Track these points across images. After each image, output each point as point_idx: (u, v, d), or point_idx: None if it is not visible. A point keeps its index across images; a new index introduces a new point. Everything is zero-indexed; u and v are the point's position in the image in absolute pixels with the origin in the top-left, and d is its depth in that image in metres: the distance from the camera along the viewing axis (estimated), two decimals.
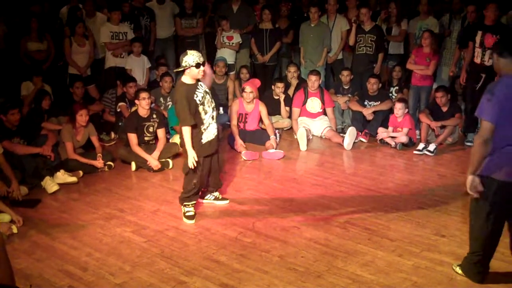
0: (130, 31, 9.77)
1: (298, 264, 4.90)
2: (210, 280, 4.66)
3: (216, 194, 6.35)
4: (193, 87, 5.64)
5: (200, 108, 5.64)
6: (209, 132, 5.76)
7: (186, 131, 5.58)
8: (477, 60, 8.30)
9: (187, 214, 5.88)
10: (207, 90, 5.81)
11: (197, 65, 5.56)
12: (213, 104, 5.82)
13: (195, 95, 5.61)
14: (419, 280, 4.64)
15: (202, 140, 5.73)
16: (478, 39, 8.29)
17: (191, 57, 5.56)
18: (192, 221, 5.83)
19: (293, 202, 6.30)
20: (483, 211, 4.38)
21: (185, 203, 5.89)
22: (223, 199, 6.35)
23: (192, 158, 5.59)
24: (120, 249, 5.22)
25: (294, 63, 10.01)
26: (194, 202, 5.94)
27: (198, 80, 5.70)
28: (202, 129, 5.70)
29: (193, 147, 5.63)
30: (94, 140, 7.47)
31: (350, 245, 5.26)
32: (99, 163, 7.24)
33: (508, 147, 4.17)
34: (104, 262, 4.97)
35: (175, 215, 5.97)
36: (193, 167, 5.64)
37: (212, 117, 5.79)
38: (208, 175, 6.03)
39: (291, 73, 9.66)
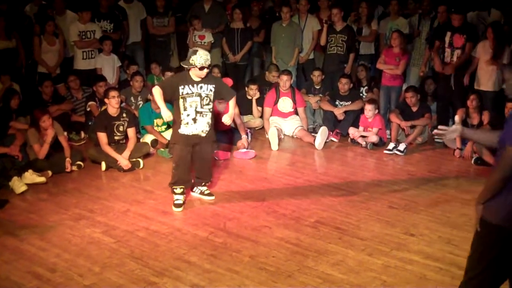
0: (99, 29, 9.68)
1: (269, 264, 4.90)
2: (180, 280, 4.63)
3: (203, 188, 6.38)
4: (187, 81, 5.85)
5: (181, 101, 5.83)
6: (189, 129, 5.93)
7: (156, 91, 5.90)
8: (447, 59, 8.52)
9: (175, 202, 6.07)
10: (205, 94, 5.90)
11: (201, 68, 5.77)
12: (201, 110, 5.91)
13: (182, 87, 5.83)
14: (388, 279, 4.67)
15: (179, 130, 5.94)
16: (447, 39, 8.45)
17: (199, 58, 5.75)
18: (179, 209, 6.01)
19: (264, 202, 6.30)
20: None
21: (172, 188, 6.07)
22: (209, 194, 6.38)
23: (165, 113, 5.92)
24: (89, 250, 5.15)
25: (275, 66, 9.89)
26: (181, 188, 6.05)
27: (203, 80, 5.86)
28: (181, 121, 5.90)
29: (174, 130, 6.04)
30: (62, 140, 7.33)
31: (321, 245, 5.27)
32: (67, 163, 7.14)
33: None
34: (73, 263, 4.91)
35: (145, 215, 5.92)
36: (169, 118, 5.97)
37: (194, 120, 5.90)
38: (194, 167, 6.19)
39: (271, 74, 9.65)
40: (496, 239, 3.33)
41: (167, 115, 5.96)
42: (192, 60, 5.77)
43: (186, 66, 5.87)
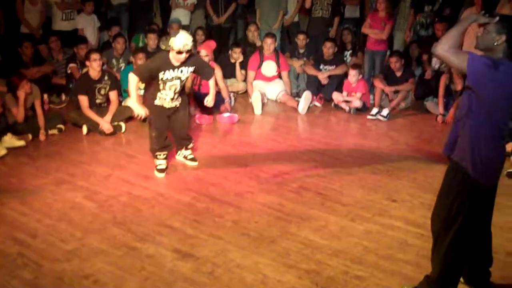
0: None
1: (252, 229, 4.90)
2: (163, 246, 4.62)
3: (186, 152, 6.34)
4: (166, 65, 5.63)
5: (160, 83, 5.69)
6: (166, 103, 5.84)
7: (132, 78, 5.66)
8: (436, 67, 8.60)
9: (158, 167, 6.02)
10: (185, 77, 5.78)
11: (178, 52, 5.51)
12: (179, 90, 5.81)
13: (162, 72, 5.62)
14: (370, 244, 4.68)
15: (155, 102, 5.81)
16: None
17: (176, 41, 5.48)
18: (162, 175, 5.99)
19: (247, 167, 6.28)
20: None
21: (155, 155, 6.02)
22: (192, 159, 6.34)
23: (138, 109, 5.79)
24: (71, 215, 5.12)
25: (254, 23, 9.86)
26: (164, 154, 6.02)
27: (183, 63, 5.65)
28: (157, 96, 5.78)
29: (149, 100, 5.87)
30: (37, 105, 7.12)
31: (303, 210, 5.28)
32: (42, 136, 7.01)
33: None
34: (54, 228, 4.87)
35: (128, 180, 5.89)
36: (140, 115, 5.85)
37: (172, 99, 5.82)
38: (172, 133, 6.14)
39: (251, 32, 9.56)
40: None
41: (137, 109, 5.80)
42: (171, 42, 5.54)
43: (164, 47, 5.68)
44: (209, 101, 6.12)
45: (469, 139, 3.46)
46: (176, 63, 5.64)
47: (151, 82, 5.86)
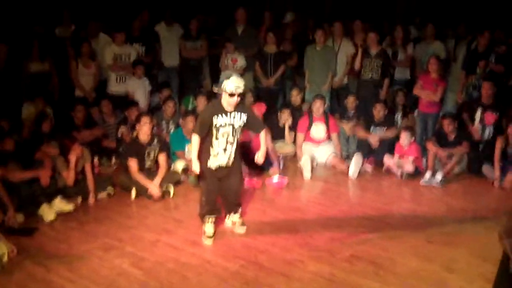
0: (135, 52, 9.66)
1: None
2: None
3: (235, 218, 6.24)
4: (219, 111, 5.66)
5: (214, 130, 5.67)
6: (218, 160, 5.81)
7: (194, 139, 5.72)
8: (477, 136, 8.44)
9: (205, 233, 5.95)
10: (238, 125, 5.77)
11: (231, 95, 5.55)
12: (232, 140, 5.78)
13: (215, 117, 5.64)
14: None
15: (209, 162, 5.79)
16: (477, 116, 8.41)
17: (229, 83, 5.55)
18: (209, 241, 5.89)
19: (297, 233, 6.13)
20: None
21: (203, 219, 5.97)
22: (241, 224, 6.23)
23: (195, 165, 5.75)
24: (118, 282, 5.04)
25: (296, 87, 9.87)
26: (212, 218, 5.94)
27: (235, 109, 5.69)
28: (211, 152, 5.75)
29: (201, 162, 5.76)
30: (87, 169, 7.14)
31: (356, 280, 5.08)
32: (91, 200, 7.03)
33: None
34: None
35: (175, 246, 5.80)
36: (196, 173, 5.80)
37: (224, 150, 5.78)
38: (222, 198, 6.10)
39: (294, 97, 9.55)
40: None
41: (195, 167, 5.78)
42: (223, 85, 5.59)
43: (216, 90, 5.74)
44: (259, 157, 6.03)
45: None
46: (228, 108, 5.65)
47: (203, 143, 5.79)
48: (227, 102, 5.63)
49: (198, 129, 5.73)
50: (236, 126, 5.75)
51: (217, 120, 5.65)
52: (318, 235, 6.08)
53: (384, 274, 5.21)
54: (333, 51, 9.84)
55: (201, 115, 5.90)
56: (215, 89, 5.82)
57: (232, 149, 5.83)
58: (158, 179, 7.21)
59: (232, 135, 5.76)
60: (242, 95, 5.65)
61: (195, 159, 5.74)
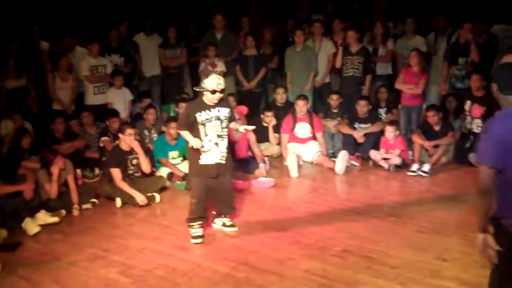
0: (110, 64, 9.60)
1: None
2: None
3: (225, 220, 6.17)
4: (202, 107, 5.70)
5: (200, 127, 5.68)
6: (210, 156, 5.76)
7: (183, 133, 5.80)
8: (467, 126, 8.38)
9: (193, 234, 5.86)
10: (224, 117, 5.78)
11: (213, 92, 5.62)
12: (222, 133, 5.77)
13: (199, 114, 5.68)
14: None
15: (200, 161, 5.76)
16: (466, 107, 8.34)
17: (210, 81, 5.63)
18: (199, 240, 5.80)
19: (287, 232, 6.03)
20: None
21: (189, 224, 5.88)
22: (231, 226, 6.16)
23: (194, 142, 5.66)
24: None
25: (282, 86, 9.81)
26: (198, 225, 5.86)
27: (218, 104, 5.72)
28: (201, 149, 5.71)
29: (192, 162, 5.86)
30: (70, 181, 7.03)
31: (349, 275, 4.99)
32: (75, 211, 6.88)
33: None
34: None
35: (163, 252, 5.68)
36: (196, 147, 5.68)
37: (216, 144, 5.75)
38: (214, 199, 6.05)
39: (280, 95, 9.50)
40: None
41: (196, 143, 5.70)
42: (204, 83, 5.67)
43: (198, 89, 5.79)
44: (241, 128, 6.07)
45: None
46: (210, 103, 5.70)
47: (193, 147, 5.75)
48: (209, 99, 5.69)
49: (183, 123, 5.82)
50: (222, 118, 5.77)
51: (201, 116, 5.68)
52: (308, 232, 5.99)
53: (377, 267, 5.12)
54: (313, 51, 9.80)
55: (183, 112, 5.99)
56: (197, 88, 5.84)
57: (223, 144, 5.80)
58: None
59: (221, 128, 5.76)
60: (223, 91, 5.72)
61: (192, 138, 5.70)
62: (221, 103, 5.77)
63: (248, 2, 12.29)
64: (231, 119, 5.91)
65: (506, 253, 3.42)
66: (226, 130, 5.83)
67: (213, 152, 5.77)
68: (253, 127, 6.46)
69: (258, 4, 12.51)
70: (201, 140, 5.71)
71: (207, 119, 5.70)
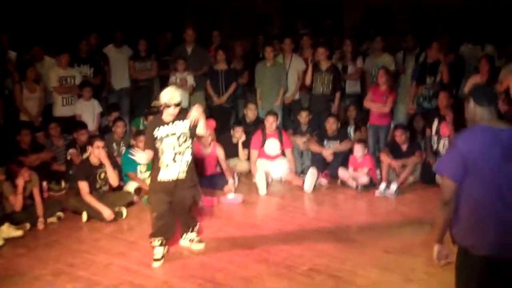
0: (79, 75, 9.51)
1: None
2: None
3: (192, 236, 6.10)
4: (159, 122, 5.60)
5: (158, 143, 5.57)
6: (168, 172, 5.65)
7: (148, 154, 5.67)
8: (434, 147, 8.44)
9: (154, 256, 5.71)
10: (180, 132, 5.62)
11: (167, 106, 5.50)
12: (180, 150, 5.63)
13: (157, 129, 5.58)
14: None
15: (158, 177, 5.66)
16: (434, 127, 8.43)
17: (163, 95, 5.51)
18: (158, 263, 5.66)
19: (255, 250, 6.02)
20: None
21: (151, 239, 5.70)
22: (198, 242, 6.10)
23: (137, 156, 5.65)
24: None
25: (253, 102, 9.83)
26: (160, 241, 5.69)
27: (176, 117, 5.60)
28: (159, 165, 5.62)
29: (152, 177, 5.78)
30: (35, 193, 6.90)
31: None
32: (40, 225, 6.76)
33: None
34: None
35: (129, 268, 5.61)
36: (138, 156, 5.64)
37: (174, 160, 5.63)
38: (177, 214, 5.91)
39: (252, 111, 9.51)
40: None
41: (139, 158, 5.67)
42: (160, 97, 5.56)
43: (153, 105, 5.72)
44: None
45: None
46: (168, 119, 5.58)
47: (155, 161, 5.69)
48: (166, 114, 5.59)
49: (148, 144, 5.71)
50: (178, 133, 5.63)
51: (158, 132, 5.59)
52: (276, 250, 5.98)
53: (344, 286, 5.14)
54: (283, 67, 9.82)
55: (146, 131, 5.92)
56: (153, 104, 5.77)
57: (182, 159, 5.67)
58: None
59: (179, 144, 5.64)
60: (179, 105, 5.56)
61: (139, 153, 5.67)
62: (179, 117, 5.63)
63: (220, 17, 12.33)
64: (191, 133, 5.72)
65: (476, 278, 3.49)
66: (185, 145, 5.67)
67: (171, 167, 5.65)
68: None
69: (229, 19, 12.56)
70: (158, 157, 5.62)
71: (163, 136, 5.58)
